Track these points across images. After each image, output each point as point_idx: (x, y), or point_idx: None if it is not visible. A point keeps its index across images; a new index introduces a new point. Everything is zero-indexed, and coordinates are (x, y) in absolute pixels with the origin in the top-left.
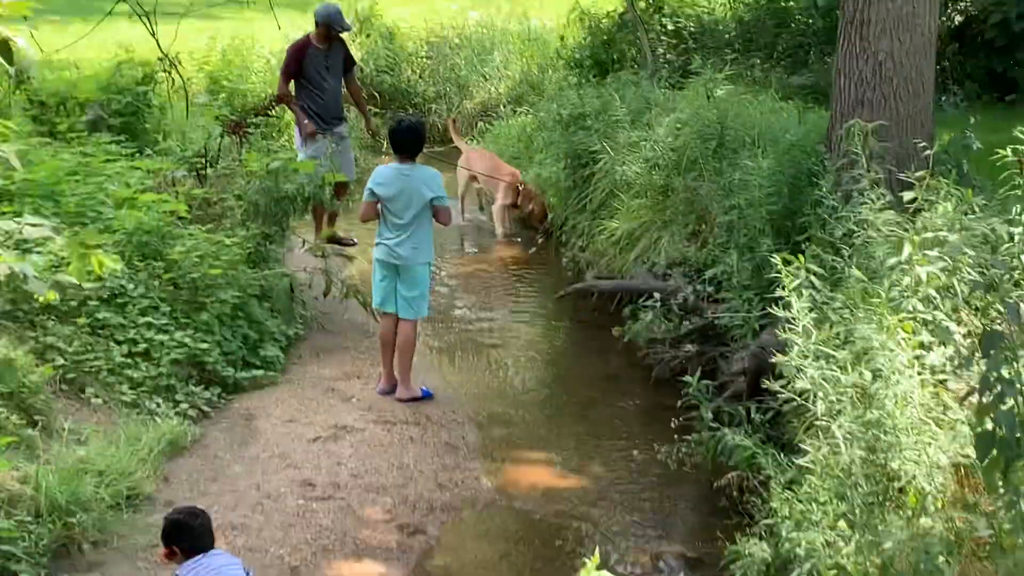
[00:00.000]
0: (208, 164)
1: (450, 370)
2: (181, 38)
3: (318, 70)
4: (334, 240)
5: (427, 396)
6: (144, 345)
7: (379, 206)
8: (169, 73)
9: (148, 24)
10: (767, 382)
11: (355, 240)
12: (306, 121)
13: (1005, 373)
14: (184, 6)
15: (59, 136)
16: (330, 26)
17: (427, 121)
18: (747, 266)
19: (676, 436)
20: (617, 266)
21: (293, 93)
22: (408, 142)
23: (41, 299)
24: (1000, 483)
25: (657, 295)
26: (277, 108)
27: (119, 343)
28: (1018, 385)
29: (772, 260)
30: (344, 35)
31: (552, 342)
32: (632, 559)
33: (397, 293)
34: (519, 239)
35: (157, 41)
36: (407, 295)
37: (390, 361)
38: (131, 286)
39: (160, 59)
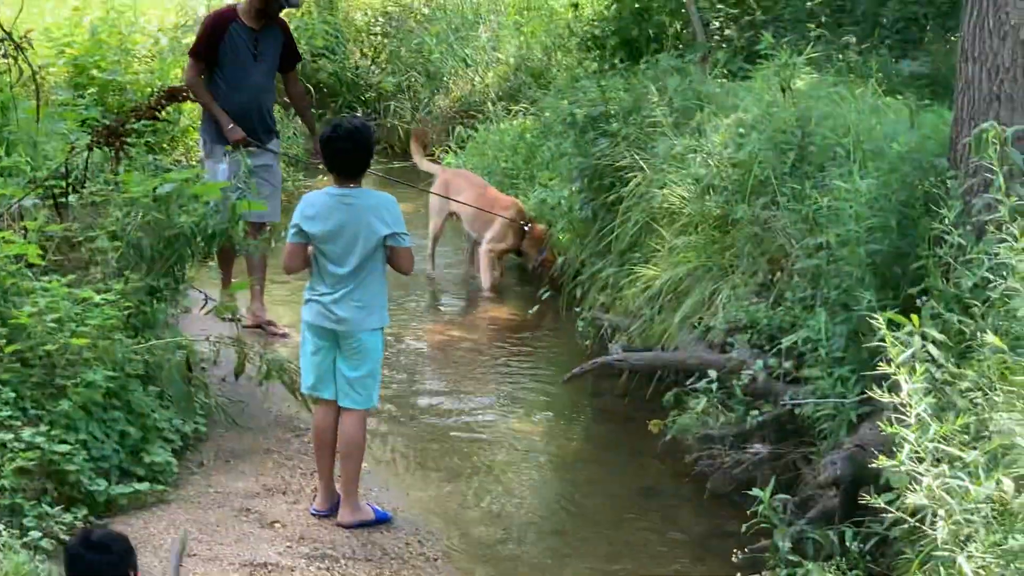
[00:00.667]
0: (70, 189)
1: (416, 483)
2: (32, 9)
3: (242, 55)
4: (257, 324)
5: (382, 519)
6: None
7: (310, 249)
8: (13, 59)
9: None
10: (868, 496)
11: (287, 332)
12: (231, 125)
13: None
14: None
15: None
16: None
17: (385, 124)
18: (840, 331)
19: (739, 574)
20: (656, 332)
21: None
22: (348, 155)
23: None
24: None
25: (713, 374)
26: (171, 107)
27: None
28: None
29: (874, 322)
30: (287, 13)
31: (562, 442)
32: None
33: (336, 372)
34: (515, 293)
35: None
36: (351, 375)
37: (329, 469)
38: None
39: (1, 39)
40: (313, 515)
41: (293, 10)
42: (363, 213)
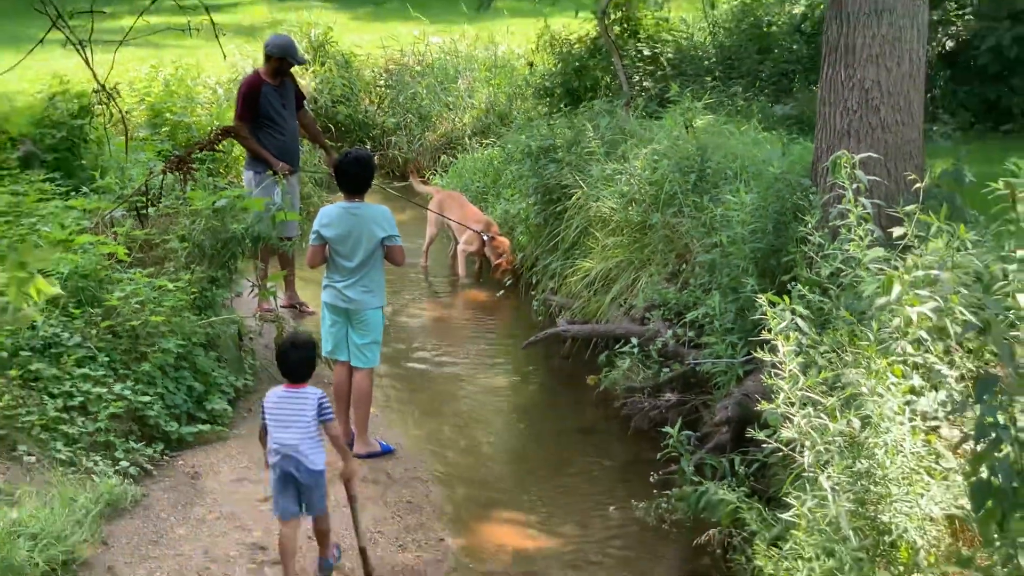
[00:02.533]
0: (149, 203)
1: (412, 424)
2: (120, 67)
3: (276, 108)
4: (292, 304)
5: (387, 451)
6: (80, 399)
7: (327, 249)
8: (107, 105)
9: (83, 53)
10: (752, 432)
11: (313, 311)
12: (280, 164)
13: (1000, 419)
14: (122, 33)
15: None
16: (283, 60)
17: (387, 154)
18: (730, 308)
19: (655, 491)
20: (592, 309)
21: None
22: (355, 177)
23: None
24: (996, 535)
25: (635, 340)
26: (224, 142)
27: (53, 396)
28: (1014, 432)
29: (756, 301)
30: (297, 69)
31: (522, 393)
32: None
33: (348, 340)
34: (486, 283)
35: (93, 71)
36: (360, 342)
37: (346, 414)
38: (66, 335)
39: (96, 90)
40: None
41: (302, 64)
42: (366, 221)
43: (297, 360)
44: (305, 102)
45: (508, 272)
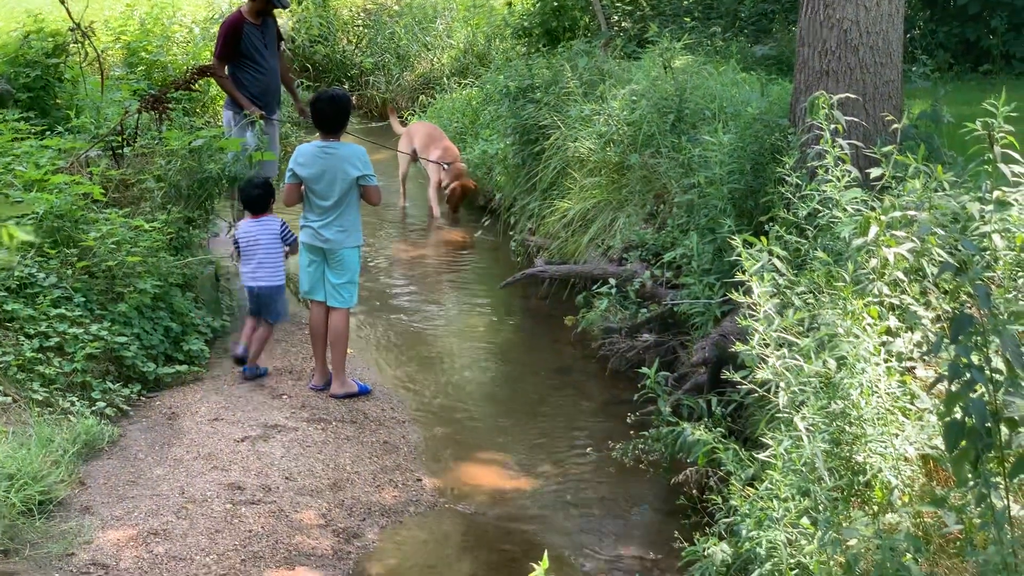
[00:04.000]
0: (125, 143)
1: (389, 364)
2: (95, 5)
3: (257, 48)
4: None
5: (364, 392)
6: (56, 339)
7: (303, 188)
8: (82, 44)
9: None
10: (728, 373)
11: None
12: (253, 108)
13: (975, 359)
14: None
15: None
16: (268, 1)
17: (365, 94)
18: (708, 249)
19: (632, 432)
20: (570, 250)
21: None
22: (329, 115)
23: None
24: (970, 475)
25: (612, 281)
26: (200, 81)
27: (29, 337)
28: (988, 372)
29: (733, 242)
30: (278, 11)
31: (499, 333)
32: (585, 563)
33: (325, 280)
34: (464, 222)
35: (67, 9)
36: (336, 282)
37: (322, 354)
38: (42, 275)
39: (72, 29)
40: (311, 389)
41: (286, 8)
42: (340, 160)
43: (256, 196)
44: (283, 43)
45: (458, 199)
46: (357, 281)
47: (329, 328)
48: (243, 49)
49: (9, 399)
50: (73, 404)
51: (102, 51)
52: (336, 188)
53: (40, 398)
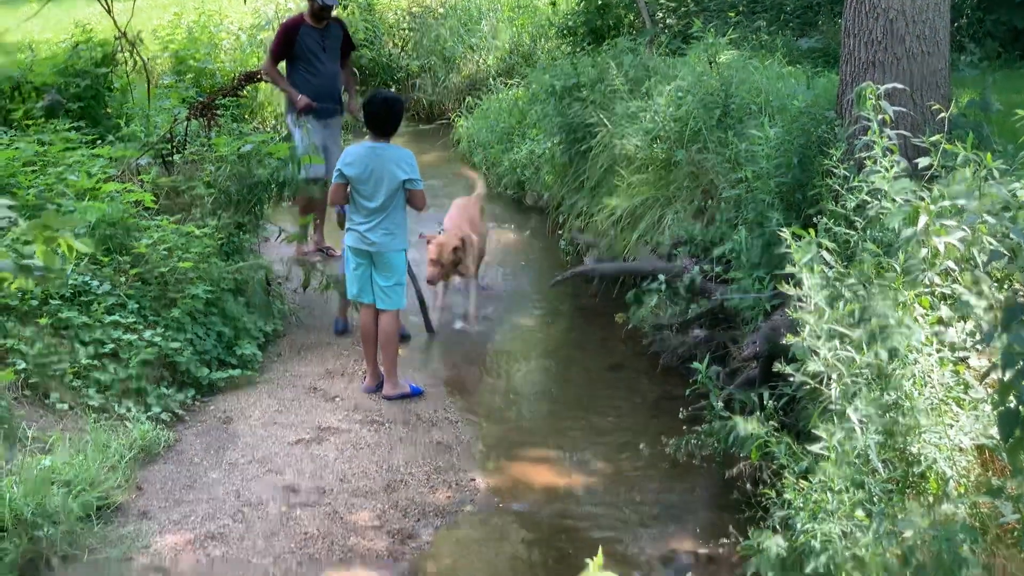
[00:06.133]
0: (175, 150)
1: (441, 365)
2: (141, 15)
3: (312, 50)
4: (319, 248)
5: (416, 393)
6: (111, 346)
7: (349, 189)
8: (130, 53)
9: (103, 2)
10: (779, 366)
11: (338, 254)
12: (299, 96)
13: None
14: None
15: (14, 124)
16: (316, 3)
17: (412, 97)
18: (756, 243)
19: (685, 427)
20: (618, 247)
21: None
22: (381, 116)
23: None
24: None
25: (662, 277)
26: (248, 87)
27: (84, 344)
28: None
29: (782, 235)
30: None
31: (550, 331)
32: (640, 559)
33: (373, 282)
34: (514, 221)
35: (114, 19)
36: (383, 284)
37: (373, 356)
38: (95, 283)
39: (118, 38)
40: (364, 392)
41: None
42: (388, 162)
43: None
44: (352, 51)
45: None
46: (404, 283)
47: (379, 330)
48: (297, 51)
49: (66, 406)
50: (129, 410)
51: (150, 59)
52: (382, 190)
53: (96, 404)
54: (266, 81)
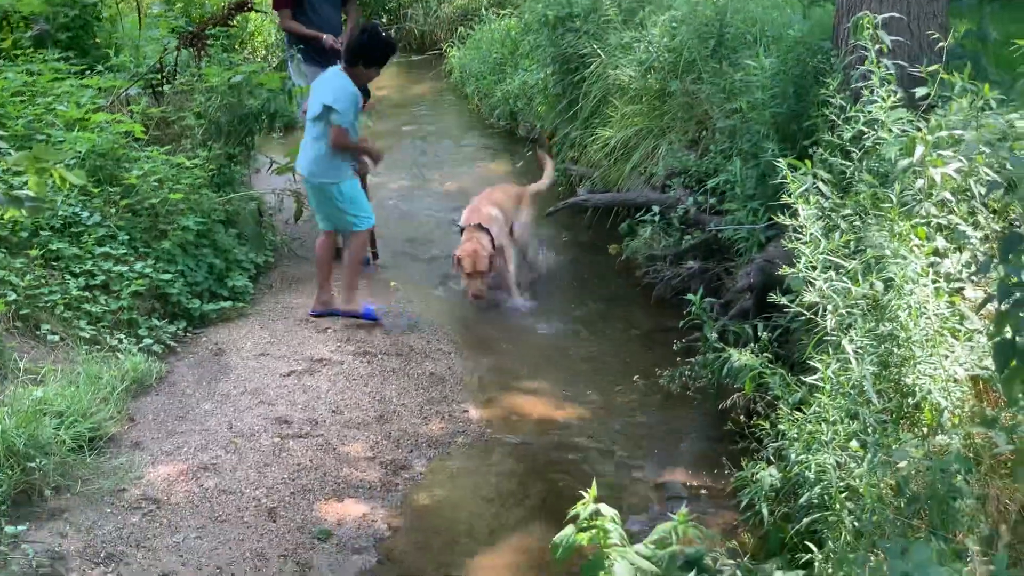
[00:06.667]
0: (164, 80)
1: (433, 297)
2: None
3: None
4: None
5: (368, 317)
6: (102, 277)
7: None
8: None
9: None
10: (774, 297)
11: None
12: (325, 36)
13: None
14: None
15: (2, 54)
16: None
17: (403, 27)
18: (751, 174)
19: (679, 359)
20: (612, 178)
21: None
22: (352, 45)
23: None
24: (1021, 395)
25: (656, 208)
26: (238, 16)
27: (75, 276)
28: None
29: (777, 166)
30: None
31: (543, 262)
32: (634, 490)
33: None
34: (505, 152)
35: None
36: (334, 212)
37: (324, 281)
38: (86, 214)
39: None
40: (311, 315)
41: None
42: (325, 86)
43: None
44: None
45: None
46: (355, 212)
47: (346, 251)
48: None
49: (57, 337)
50: (120, 341)
51: None
52: (313, 106)
53: (87, 336)
54: (252, 8)
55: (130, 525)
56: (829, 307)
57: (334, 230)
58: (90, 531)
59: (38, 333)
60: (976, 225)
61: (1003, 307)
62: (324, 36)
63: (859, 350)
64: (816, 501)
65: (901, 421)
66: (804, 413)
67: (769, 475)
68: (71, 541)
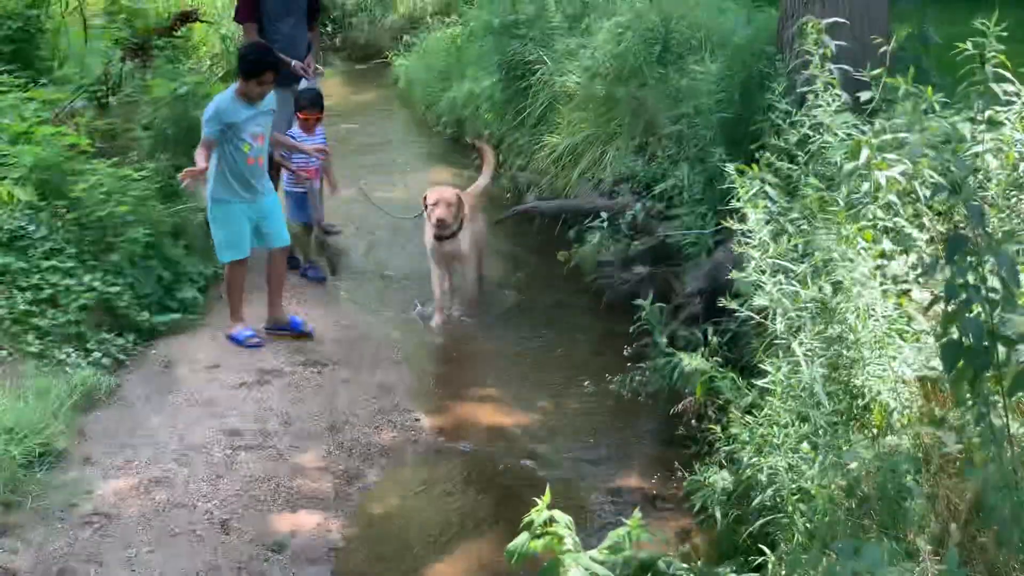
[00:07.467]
0: (110, 92)
1: (380, 305)
2: None
3: (276, 13)
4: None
5: (296, 329)
6: (50, 291)
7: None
8: None
9: None
10: (724, 301)
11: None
12: (293, 62)
13: (971, 279)
14: None
15: None
16: None
17: (347, 37)
18: (699, 179)
19: (629, 364)
20: (560, 185)
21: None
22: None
23: None
24: (969, 395)
25: (604, 215)
26: (183, 28)
27: (22, 290)
28: (984, 291)
29: (725, 170)
30: None
31: (491, 271)
32: (587, 496)
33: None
34: (453, 161)
35: None
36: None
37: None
38: (32, 227)
39: None
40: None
41: None
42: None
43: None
44: (319, 14)
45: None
46: (221, 240)
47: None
48: (262, 10)
49: (4, 352)
50: (69, 356)
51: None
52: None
53: (35, 350)
54: (197, 19)
55: (82, 540)
56: (778, 310)
57: (267, 246)
58: (41, 547)
59: None
60: (922, 227)
61: (950, 308)
62: (293, 62)
63: (808, 353)
64: (768, 503)
65: (851, 422)
66: (755, 416)
67: (721, 479)
68: (23, 557)
